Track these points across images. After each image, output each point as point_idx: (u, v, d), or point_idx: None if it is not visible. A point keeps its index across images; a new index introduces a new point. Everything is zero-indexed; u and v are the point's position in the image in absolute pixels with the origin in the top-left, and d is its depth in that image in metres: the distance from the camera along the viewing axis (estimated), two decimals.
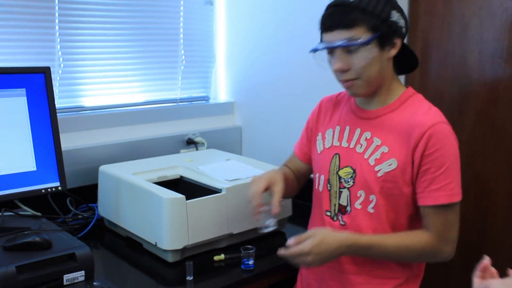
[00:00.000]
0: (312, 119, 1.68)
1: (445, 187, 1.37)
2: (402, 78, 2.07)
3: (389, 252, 1.40)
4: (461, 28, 1.91)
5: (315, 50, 1.44)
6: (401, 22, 1.40)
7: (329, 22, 1.39)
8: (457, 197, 1.39)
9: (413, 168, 1.40)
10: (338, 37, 1.37)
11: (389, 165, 1.41)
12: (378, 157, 1.44)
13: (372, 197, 1.45)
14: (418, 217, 1.45)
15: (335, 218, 1.52)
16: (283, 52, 2.34)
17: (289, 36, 2.30)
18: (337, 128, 1.56)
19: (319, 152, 1.60)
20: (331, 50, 1.41)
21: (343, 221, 1.50)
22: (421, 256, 1.44)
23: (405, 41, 1.99)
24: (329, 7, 1.41)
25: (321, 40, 1.43)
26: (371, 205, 1.45)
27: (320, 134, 1.61)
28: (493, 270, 1.09)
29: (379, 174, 1.43)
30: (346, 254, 1.42)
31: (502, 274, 1.34)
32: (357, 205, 1.48)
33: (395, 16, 1.38)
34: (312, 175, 1.66)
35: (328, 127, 1.59)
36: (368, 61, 1.38)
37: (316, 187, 1.59)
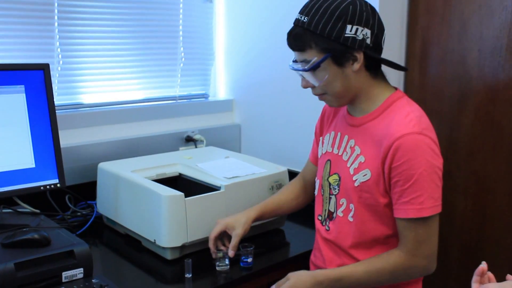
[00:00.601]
0: (318, 123, 1.69)
1: (413, 201, 1.33)
2: (401, 77, 2.07)
3: (361, 280, 1.39)
4: (460, 26, 1.91)
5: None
6: (363, 34, 1.36)
7: (288, 44, 1.44)
8: (428, 211, 1.33)
9: (385, 180, 1.38)
10: (298, 57, 1.42)
11: (364, 175, 1.41)
12: (356, 167, 1.43)
13: (351, 206, 1.45)
14: (395, 225, 1.42)
15: (323, 223, 1.55)
16: (283, 49, 2.32)
17: None
18: (332, 134, 1.56)
19: (319, 156, 1.62)
20: None
21: (328, 227, 1.52)
22: (394, 276, 1.40)
23: (404, 40, 1.97)
24: (291, 28, 1.44)
25: None
26: (351, 213, 1.45)
27: (321, 138, 1.63)
28: (490, 274, 1.09)
29: (355, 184, 1.43)
30: None
31: (502, 273, 1.34)
32: (340, 212, 1.49)
33: (352, 30, 1.34)
34: None
35: (328, 132, 1.60)
36: (326, 79, 1.40)
37: (316, 192, 1.61)
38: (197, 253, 1.70)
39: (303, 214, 1.82)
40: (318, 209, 1.59)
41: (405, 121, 1.36)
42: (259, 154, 2.33)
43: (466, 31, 1.90)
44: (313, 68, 1.38)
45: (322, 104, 1.60)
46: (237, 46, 2.56)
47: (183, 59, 2.49)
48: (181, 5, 2.43)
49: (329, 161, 1.54)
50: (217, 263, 1.61)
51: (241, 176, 1.82)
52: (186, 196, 1.65)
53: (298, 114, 2.28)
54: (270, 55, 2.39)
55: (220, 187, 1.75)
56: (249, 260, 1.63)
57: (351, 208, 1.45)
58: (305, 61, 1.39)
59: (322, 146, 1.60)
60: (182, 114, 2.44)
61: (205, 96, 2.63)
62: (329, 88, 1.42)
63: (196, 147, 2.39)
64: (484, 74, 1.87)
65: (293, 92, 2.31)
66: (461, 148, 1.95)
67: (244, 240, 1.67)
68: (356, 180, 1.42)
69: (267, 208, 1.71)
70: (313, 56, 1.37)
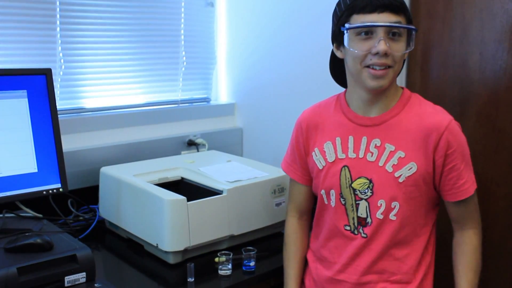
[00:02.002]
0: (300, 138, 1.59)
1: (469, 179, 1.44)
2: (403, 80, 2.07)
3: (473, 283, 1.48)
4: (462, 30, 1.91)
5: (351, 28, 1.36)
6: None
7: (377, 3, 1.34)
8: (476, 183, 1.47)
9: (435, 169, 1.41)
10: (386, 19, 1.34)
11: (409, 169, 1.40)
12: (395, 163, 1.41)
13: (394, 203, 1.42)
14: (431, 213, 1.49)
15: (356, 232, 1.47)
16: (284, 53, 2.34)
17: (290, 37, 2.30)
18: (338, 140, 1.50)
19: (321, 168, 1.52)
20: (368, 32, 1.36)
21: (365, 234, 1.46)
22: (481, 252, 1.50)
23: None
24: None
25: (349, 22, 1.37)
26: (393, 212, 1.42)
27: (316, 149, 1.53)
28: None
29: (400, 180, 1.41)
30: None
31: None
32: (379, 215, 1.44)
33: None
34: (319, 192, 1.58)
35: (325, 140, 1.52)
36: (405, 51, 1.40)
37: (327, 203, 1.52)
38: (200, 257, 1.70)
39: None
40: (342, 220, 1.50)
41: (437, 110, 1.45)
42: (261, 158, 2.33)
43: (467, 34, 1.90)
44: (415, 31, 1.39)
45: None
46: (239, 50, 2.56)
47: (184, 63, 2.49)
48: (182, 10, 2.44)
49: (346, 168, 1.47)
50: (220, 267, 1.61)
51: (243, 180, 1.82)
52: (188, 200, 1.65)
53: None
54: (272, 59, 2.40)
55: (222, 191, 1.75)
56: (252, 264, 1.63)
57: (393, 207, 1.42)
58: (399, 23, 1.36)
59: (324, 156, 1.51)
60: (184, 118, 2.44)
61: (207, 100, 2.63)
62: (399, 62, 1.41)
63: (198, 151, 2.39)
64: (485, 77, 1.87)
65: (295, 96, 2.31)
66: None
67: (247, 244, 1.67)
68: (400, 175, 1.41)
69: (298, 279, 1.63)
70: (405, 22, 1.38)
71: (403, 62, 1.49)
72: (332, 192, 1.50)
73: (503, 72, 1.81)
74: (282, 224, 1.91)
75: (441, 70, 1.99)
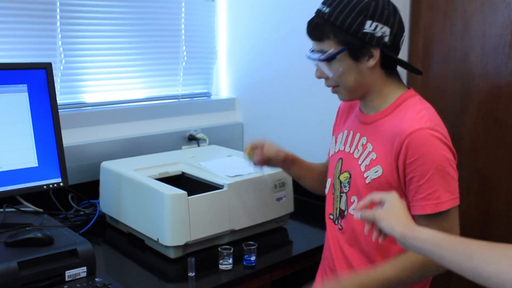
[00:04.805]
0: (335, 120, 1.69)
1: (429, 196, 1.31)
2: (404, 76, 2.06)
3: (391, 280, 1.34)
4: (463, 24, 1.91)
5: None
6: (382, 31, 1.36)
7: (307, 33, 1.43)
8: (446, 205, 1.31)
9: (399, 177, 1.36)
10: (315, 47, 1.42)
11: (375, 172, 1.40)
12: (367, 163, 1.43)
13: None
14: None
15: (336, 222, 1.53)
16: (285, 48, 2.34)
17: (291, 32, 2.29)
18: (345, 132, 1.55)
19: (330, 155, 1.61)
20: None
21: (341, 225, 1.51)
22: (423, 271, 1.35)
23: (407, 38, 1.97)
24: (312, 17, 1.43)
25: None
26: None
27: (334, 137, 1.62)
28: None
29: (367, 181, 1.42)
30: None
31: None
32: (351, 210, 1.47)
33: (371, 26, 1.35)
34: None
35: (341, 131, 1.59)
36: (340, 72, 1.40)
37: (326, 190, 1.60)
38: (200, 252, 1.70)
39: (307, 212, 1.82)
40: (329, 208, 1.57)
41: (417, 117, 1.36)
42: None
43: (469, 28, 1.89)
44: (329, 59, 1.39)
45: (327, 102, 1.60)
46: (239, 44, 2.56)
47: (185, 58, 2.49)
48: (183, 4, 2.43)
49: (341, 160, 1.53)
50: (221, 261, 1.61)
51: (244, 175, 1.82)
52: (189, 194, 1.65)
53: (301, 113, 2.28)
54: (273, 54, 2.39)
55: (223, 186, 1.75)
56: (252, 258, 1.63)
57: None
58: (321, 51, 1.40)
59: (335, 145, 1.59)
60: (185, 113, 2.44)
61: (207, 95, 2.63)
62: (342, 81, 1.42)
63: (198, 145, 2.39)
64: (487, 72, 1.86)
65: (296, 91, 2.31)
66: (464, 146, 1.95)
67: (247, 239, 1.67)
68: (367, 177, 1.42)
69: (299, 160, 1.72)
70: (330, 47, 1.38)
71: (392, 60, 1.43)
72: (329, 180, 1.57)
73: (505, 66, 1.81)
74: (283, 218, 1.91)
75: (442, 64, 1.98)
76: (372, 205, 1.21)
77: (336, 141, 1.59)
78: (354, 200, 1.46)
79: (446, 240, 1.07)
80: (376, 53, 1.38)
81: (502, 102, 1.84)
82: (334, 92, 1.48)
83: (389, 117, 1.43)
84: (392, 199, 1.17)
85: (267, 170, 1.72)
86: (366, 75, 1.41)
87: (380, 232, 1.19)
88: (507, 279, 0.93)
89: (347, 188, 1.49)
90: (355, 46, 1.37)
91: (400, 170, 1.36)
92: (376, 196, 1.21)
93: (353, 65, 1.39)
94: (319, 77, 1.46)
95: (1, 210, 1.73)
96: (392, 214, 1.14)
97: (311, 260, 1.74)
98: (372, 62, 1.38)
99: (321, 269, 1.64)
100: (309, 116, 2.26)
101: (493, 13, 1.82)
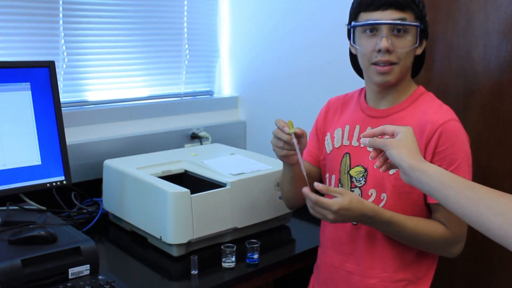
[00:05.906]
0: (320, 119, 1.67)
1: None
2: None
3: (405, 232, 1.37)
4: (466, 21, 1.90)
5: (356, 26, 1.43)
6: (428, 22, 1.44)
7: (381, 1, 1.38)
8: None
9: None
10: (390, 16, 1.38)
11: None
12: None
13: (383, 195, 1.44)
14: (423, 212, 1.44)
15: None
16: (287, 46, 2.34)
17: (293, 30, 2.29)
18: (347, 127, 1.55)
19: (328, 152, 1.59)
20: (373, 30, 1.41)
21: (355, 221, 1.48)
22: (433, 245, 1.42)
23: None
24: None
25: (357, 20, 1.43)
26: (382, 203, 1.44)
27: (328, 134, 1.61)
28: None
29: (390, 172, 1.42)
30: (365, 223, 1.39)
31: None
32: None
33: (427, 16, 1.43)
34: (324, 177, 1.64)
35: (337, 127, 1.59)
36: (411, 47, 1.41)
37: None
38: (203, 250, 1.71)
39: (308, 210, 1.81)
40: None
41: (442, 110, 1.42)
42: (265, 151, 2.32)
43: (472, 26, 1.89)
44: (418, 28, 1.39)
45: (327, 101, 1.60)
46: (242, 42, 2.56)
47: (187, 56, 2.49)
48: (185, 2, 2.43)
49: (347, 154, 1.52)
50: (224, 259, 1.61)
51: (246, 173, 1.82)
52: (192, 192, 1.65)
53: (303, 111, 2.28)
54: (275, 52, 2.39)
55: (226, 184, 1.75)
56: (255, 256, 1.63)
57: (382, 198, 1.44)
58: (404, 20, 1.38)
59: (332, 142, 1.58)
60: (187, 111, 2.44)
61: (210, 93, 2.63)
62: (405, 58, 1.41)
63: (201, 144, 2.39)
64: (489, 70, 1.86)
65: (298, 89, 2.31)
66: None
67: (250, 237, 1.67)
68: None
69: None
70: (412, 19, 1.39)
71: (422, 57, 1.50)
72: (333, 177, 1.56)
73: (508, 64, 1.81)
74: (285, 216, 1.91)
75: (445, 62, 1.98)
76: (382, 136, 1.20)
77: (332, 138, 1.58)
78: (372, 194, 1.45)
79: (454, 180, 1.04)
80: (424, 44, 1.43)
81: (505, 99, 1.83)
82: (386, 70, 1.41)
83: (408, 110, 1.46)
84: (407, 131, 1.16)
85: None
86: (411, 61, 1.45)
87: (384, 161, 1.18)
88: (510, 233, 0.92)
89: (362, 182, 1.48)
90: (424, 28, 1.40)
91: (427, 159, 1.36)
92: (389, 127, 1.19)
93: (414, 46, 1.42)
94: (387, 48, 1.38)
95: (5, 208, 1.74)
96: (405, 144, 1.13)
97: (314, 258, 1.74)
98: (419, 50, 1.43)
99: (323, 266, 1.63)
100: (311, 115, 2.25)
101: (496, 10, 1.81)
